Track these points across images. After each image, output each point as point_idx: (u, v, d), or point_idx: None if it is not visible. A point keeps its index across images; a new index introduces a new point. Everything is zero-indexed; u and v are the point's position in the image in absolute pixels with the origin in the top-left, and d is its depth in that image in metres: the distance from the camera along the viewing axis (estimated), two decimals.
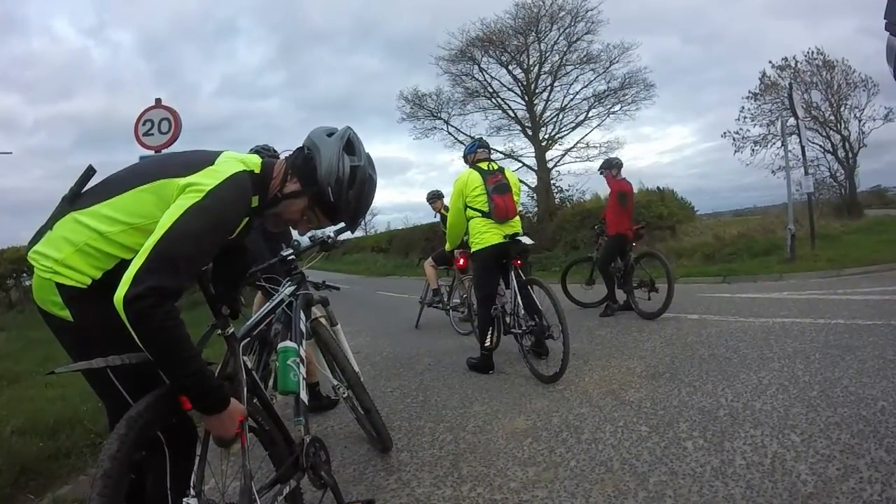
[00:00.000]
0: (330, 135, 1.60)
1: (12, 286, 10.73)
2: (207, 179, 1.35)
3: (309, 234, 2.50)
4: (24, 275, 10.64)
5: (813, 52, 19.44)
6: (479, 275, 4.25)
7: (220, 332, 1.61)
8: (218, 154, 1.49)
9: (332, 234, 2.72)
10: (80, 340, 1.32)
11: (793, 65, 19.61)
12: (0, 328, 9.04)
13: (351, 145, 1.60)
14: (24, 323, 8.62)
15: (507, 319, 4.03)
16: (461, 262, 5.72)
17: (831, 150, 20.02)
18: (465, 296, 6.02)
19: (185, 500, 1.25)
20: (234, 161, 1.46)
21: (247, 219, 1.50)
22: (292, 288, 2.37)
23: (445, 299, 6.44)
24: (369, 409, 2.52)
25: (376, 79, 51.52)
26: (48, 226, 1.38)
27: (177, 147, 5.46)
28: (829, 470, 2.04)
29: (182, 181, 1.35)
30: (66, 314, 1.31)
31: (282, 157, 1.62)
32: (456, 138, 21.53)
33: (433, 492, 2.26)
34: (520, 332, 3.87)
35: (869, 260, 8.64)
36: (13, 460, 2.64)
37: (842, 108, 19.42)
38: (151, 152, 5.35)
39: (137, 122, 5.39)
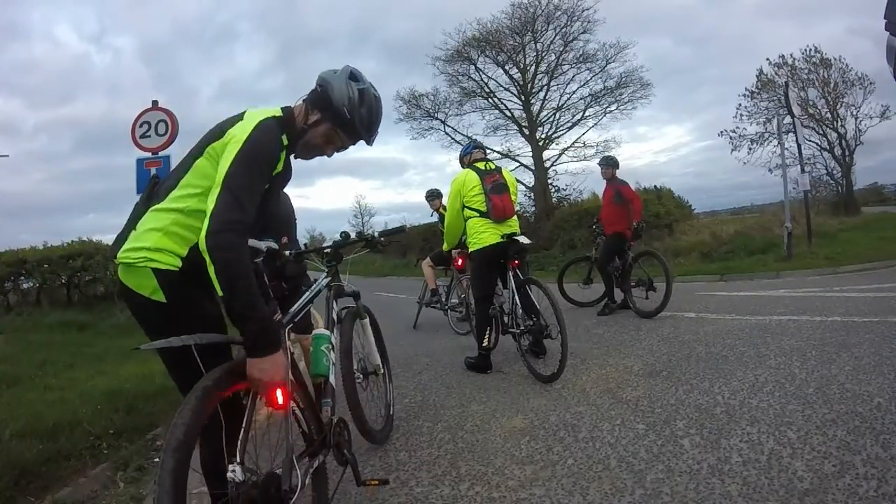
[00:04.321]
0: (335, 72, 1.90)
1: (10, 289, 10.64)
2: (240, 131, 1.62)
3: (356, 230, 2.70)
4: (22, 277, 10.57)
5: (810, 50, 19.51)
6: (477, 275, 4.25)
7: None
8: (243, 113, 1.75)
9: (376, 234, 2.86)
10: (169, 318, 1.54)
11: (790, 62, 19.66)
12: None
13: (354, 75, 1.89)
14: (23, 326, 8.59)
15: (506, 319, 4.04)
16: (459, 262, 5.73)
17: (828, 147, 20.10)
18: (462, 296, 6.03)
19: (230, 466, 1.39)
20: (258, 113, 1.72)
21: (283, 155, 1.75)
22: (328, 279, 2.54)
23: (443, 299, 6.45)
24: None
25: (374, 82, 50.81)
26: (130, 227, 1.65)
27: (176, 149, 5.51)
28: (826, 466, 2.05)
29: (222, 140, 1.63)
30: (159, 296, 1.54)
31: (298, 101, 1.91)
32: (453, 138, 21.59)
33: (431, 490, 2.27)
34: (518, 331, 3.88)
35: (865, 257, 8.69)
36: (13, 463, 2.65)
37: (838, 106, 19.49)
38: (149, 154, 5.35)
39: (134, 124, 5.37)
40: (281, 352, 1.53)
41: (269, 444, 1.73)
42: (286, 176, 1.84)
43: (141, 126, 5.38)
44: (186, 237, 1.58)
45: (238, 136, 1.60)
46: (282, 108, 1.83)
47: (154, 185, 1.75)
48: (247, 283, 1.44)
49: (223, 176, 1.51)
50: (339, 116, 1.84)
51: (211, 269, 1.40)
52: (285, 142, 1.76)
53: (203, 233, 1.41)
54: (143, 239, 1.57)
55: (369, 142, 1.99)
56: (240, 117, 1.71)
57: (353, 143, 1.96)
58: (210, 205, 1.46)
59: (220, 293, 1.43)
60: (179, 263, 1.56)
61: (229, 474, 1.38)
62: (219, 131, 1.68)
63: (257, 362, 1.49)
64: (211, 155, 1.63)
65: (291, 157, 1.86)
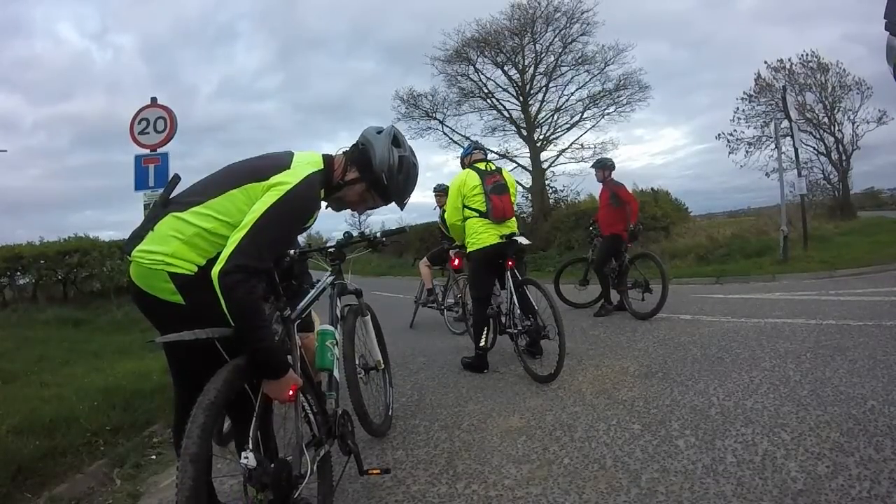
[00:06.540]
0: (379, 132, 1.94)
1: (6, 285, 10.60)
2: (286, 179, 1.64)
3: (357, 231, 2.92)
4: (18, 273, 10.53)
5: (807, 55, 19.57)
6: (475, 275, 4.25)
7: (279, 313, 1.82)
8: (290, 156, 1.77)
9: (377, 234, 2.97)
10: (189, 320, 1.53)
11: (787, 66, 19.72)
12: None
13: (397, 140, 1.95)
14: (19, 322, 8.56)
15: (503, 319, 4.05)
16: (455, 262, 5.71)
17: (825, 152, 20.15)
18: (459, 296, 6.03)
19: (243, 453, 1.47)
20: (305, 164, 1.74)
21: (318, 212, 1.80)
22: (332, 277, 2.65)
23: (440, 299, 6.45)
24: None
25: (372, 82, 51.06)
26: (148, 227, 1.64)
27: (174, 147, 5.50)
28: (819, 467, 2.07)
29: (265, 183, 1.65)
30: (177, 298, 1.56)
31: (339, 152, 1.96)
32: (451, 139, 21.49)
33: (428, 489, 2.28)
34: (515, 331, 3.89)
35: (861, 261, 8.72)
36: (10, 459, 2.64)
37: (835, 111, 19.55)
38: (147, 151, 5.34)
39: (133, 121, 5.35)
40: (288, 374, 1.61)
41: (279, 433, 1.83)
42: (312, 223, 1.87)
43: (139, 123, 5.36)
44: (207, 249, 1.60)
45: (281, 184, 1.62)
46: (323, 157, 1.86)
47: (174, 185, 1.73)
48: (253, 317, 1.48)
49: (255, 218, 1.54)
50: (376, 181, 1.90)
51: (222, 301, 1.44)
52: (321, 196, 1.81)
53: (217, 266, 1.45)
54: (162, 243, 1.58)
55: (402, 207, 2.03)
56: (286, 163, 1.72)
57: (386, 205, 2.01)
58: (233, 241, 1.50)
59: (232, 323, 1.48)
60: (195, 269, 1.57)
61: (243, 461, 1.45)
62: (262, 171, 1.68)
63: (266, 383, 1.59)
64: (248, 193, 1.64)
65: (322, 205, 1.89)
